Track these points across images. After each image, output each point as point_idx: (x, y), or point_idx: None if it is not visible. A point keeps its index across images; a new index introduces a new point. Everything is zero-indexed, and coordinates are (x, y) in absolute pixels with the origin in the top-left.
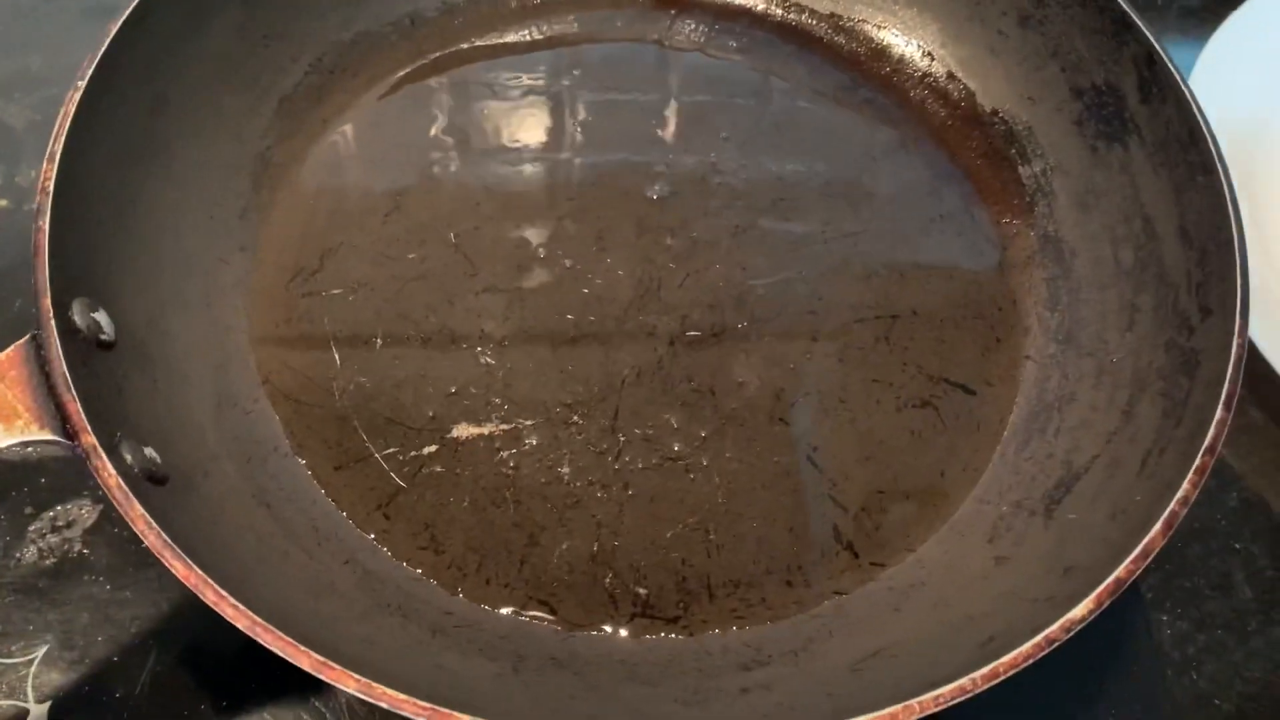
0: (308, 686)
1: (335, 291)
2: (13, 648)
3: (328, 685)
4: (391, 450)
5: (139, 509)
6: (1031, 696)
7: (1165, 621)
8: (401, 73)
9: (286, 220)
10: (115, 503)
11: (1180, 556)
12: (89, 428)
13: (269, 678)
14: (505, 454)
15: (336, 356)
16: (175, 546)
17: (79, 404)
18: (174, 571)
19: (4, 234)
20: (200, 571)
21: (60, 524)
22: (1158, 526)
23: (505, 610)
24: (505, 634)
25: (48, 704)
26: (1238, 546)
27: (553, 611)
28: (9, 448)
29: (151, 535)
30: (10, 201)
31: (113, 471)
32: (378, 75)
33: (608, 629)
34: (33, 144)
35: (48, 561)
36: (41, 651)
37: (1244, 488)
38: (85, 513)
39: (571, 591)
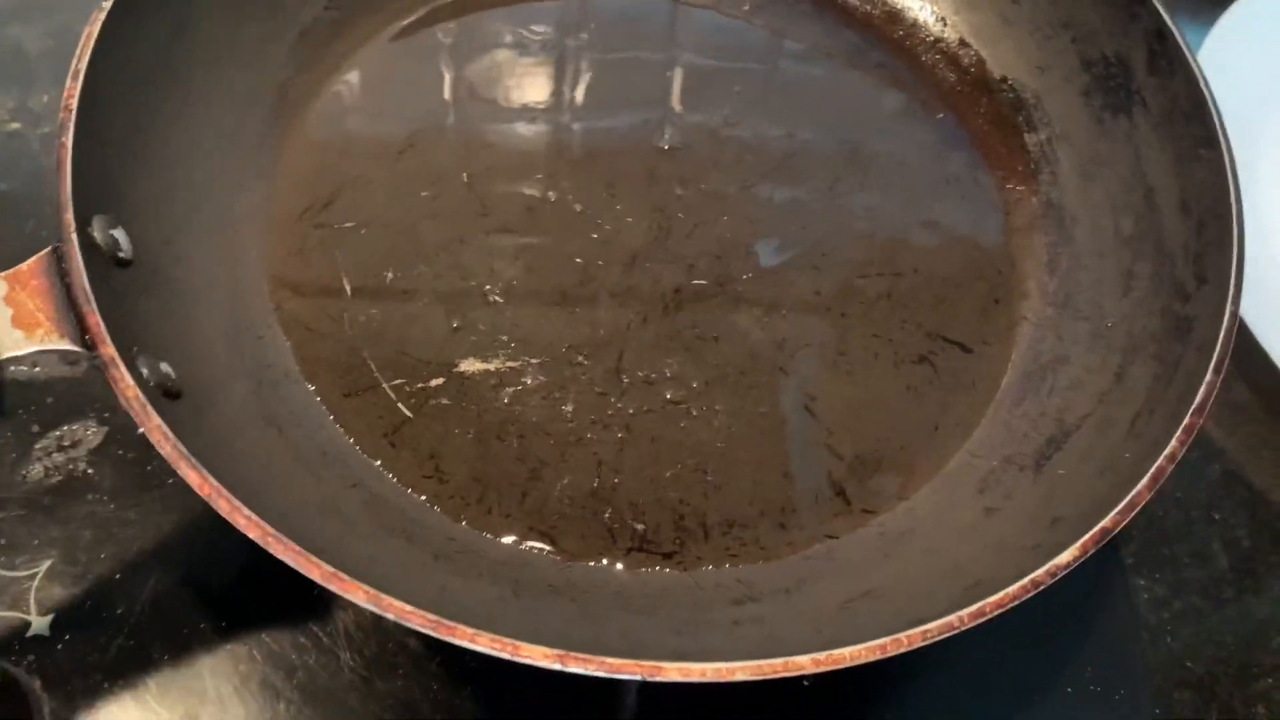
0: (305, 611)
1: (348, 225)
2: (17, 561)
3: (325, 611)
4: (399, 381)
5: (156, 419)
6: (1013, 652)
7: (1143, 586)
8: (420, 13)
9: (302, 152)
10: (132, 413)
11: (1161, 525)
12: (108, 339)
13: (267, 601)
14: (510, 390)
15: (347, 288)
16: (191, 457)
17: (99, 315)
18: (188, 481)
19: (16, 156)
20: (215, 481)
21: (66, 443)
22: (1144, 481)
23: (506, 539)
24: (505, 560)
25: (50, 617)
26: (1217, 517)
27: (552, 542)
28: (29, 355)
29: (167, 445)
30: (23, 124)
31: (130, 382)
32: (397, 14)
33: (605, 561)
34: (46, 69)
35: (53, 479)
36: (45, 566)
37: (1227, 461)
38: (91, 433)
39: (571, 524)
